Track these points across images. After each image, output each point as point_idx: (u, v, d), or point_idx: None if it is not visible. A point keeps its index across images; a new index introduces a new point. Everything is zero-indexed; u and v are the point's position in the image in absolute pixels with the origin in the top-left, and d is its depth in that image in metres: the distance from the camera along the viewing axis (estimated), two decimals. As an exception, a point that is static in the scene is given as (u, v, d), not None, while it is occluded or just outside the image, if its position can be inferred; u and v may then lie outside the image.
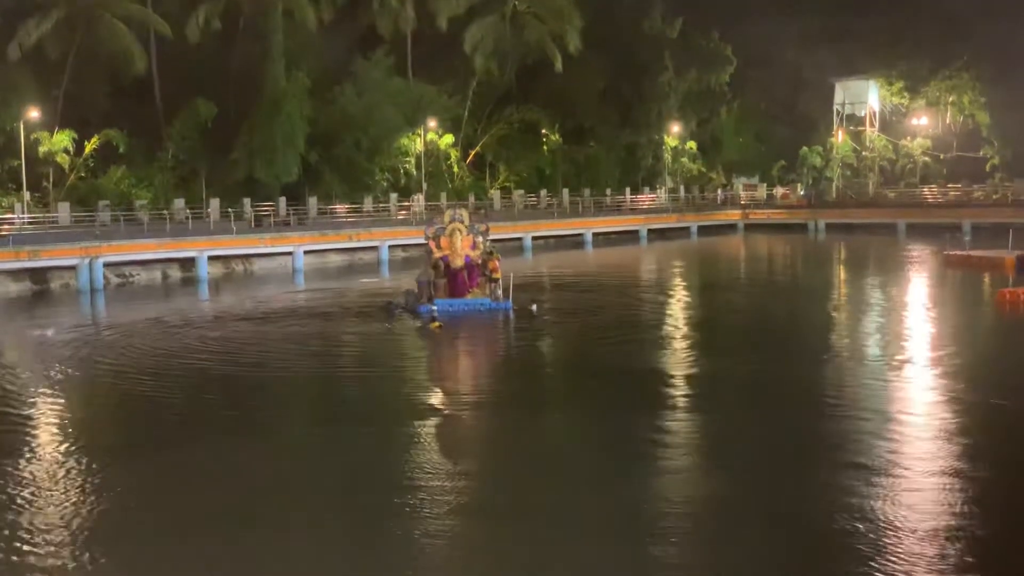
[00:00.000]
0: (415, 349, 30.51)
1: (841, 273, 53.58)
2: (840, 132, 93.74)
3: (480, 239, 36.25)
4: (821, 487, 15.13)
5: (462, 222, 36.34)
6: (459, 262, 35.48)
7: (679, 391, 22.33)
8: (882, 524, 13.37)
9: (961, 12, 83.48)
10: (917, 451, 16.84)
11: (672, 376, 24.04)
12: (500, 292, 35.04)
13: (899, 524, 13.38)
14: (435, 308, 33.57)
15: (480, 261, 35.78)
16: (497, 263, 35.31)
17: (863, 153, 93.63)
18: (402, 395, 22.77)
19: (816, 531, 13.43)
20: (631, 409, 20.36)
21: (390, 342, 30.98)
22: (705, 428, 19.09)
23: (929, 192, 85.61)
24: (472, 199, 75.51)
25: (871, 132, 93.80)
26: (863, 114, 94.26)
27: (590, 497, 15.07)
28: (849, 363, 25.48)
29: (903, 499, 14.36)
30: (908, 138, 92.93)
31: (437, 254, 35.69)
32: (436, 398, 22.27)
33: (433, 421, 19.85)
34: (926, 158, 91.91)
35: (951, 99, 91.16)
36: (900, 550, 12.51)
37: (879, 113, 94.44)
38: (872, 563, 12.14)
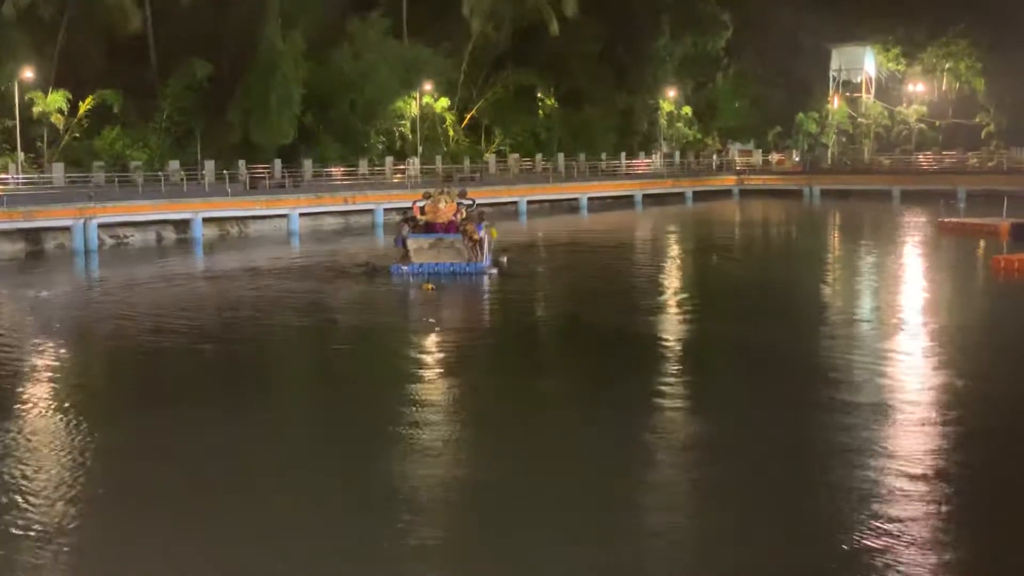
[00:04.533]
0: (404, 308, 30.70)
1: (835, 239, 53.69)
2: (836, 98, 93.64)
3: (464, 207, 36.73)
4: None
5: (448, 193, 37.30)
6: (441, 220, 35.88)
7: (669, 355, 22.44)
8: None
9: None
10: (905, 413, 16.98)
11: (662, 340, 24.12)
12: (478, 254, 35.30)
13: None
14: (405, 269, 34.71)
15: (460, 224, 36.09)
16: (474, 226, 35.49)
17: (859, 119, 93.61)
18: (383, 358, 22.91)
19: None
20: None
21: (386, 302, 31.23)
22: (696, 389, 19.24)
23: (924, 159, 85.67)
24: (467, 162, 75.43)
25: (867, 98, 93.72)
26: (859, 80, 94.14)
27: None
28: (840, 329, 25.60)
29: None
30: (904, 104, 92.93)
31: (421, 219, 36.20)
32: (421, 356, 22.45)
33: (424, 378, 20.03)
34: (922, 125, 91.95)
35: (947, 66, 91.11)
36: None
37: (875, 79, 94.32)
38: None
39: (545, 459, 15.17)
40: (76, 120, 61.98)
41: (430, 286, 31.99)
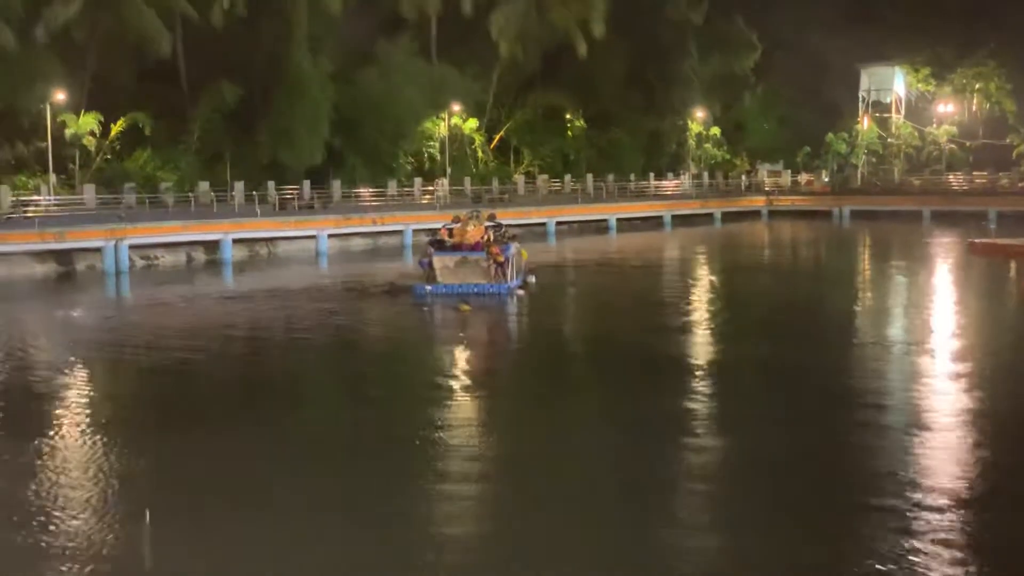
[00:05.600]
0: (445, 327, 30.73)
1: (866, 260, 53.49)
2: (865, 118, 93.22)
3: (492, 230, 36.82)
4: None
5: (477, 217, 37.38)
6: (468, 242, 36.04)
7: (697, 376, 22.35)
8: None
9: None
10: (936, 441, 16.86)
11: (691, 361, 24.05)
12: (503, 275, 35.29)
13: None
14: (429, 289, 34.70)
15: (485, 244, 36.17)
16: (500, 248, 35.50)
17: (888, 140, 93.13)
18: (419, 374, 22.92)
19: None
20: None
21: (422, 323, 31.34)
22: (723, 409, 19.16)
23: (955, 179, 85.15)
24: (496, 183, 75.51)
25: (896, 119, 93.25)
26: (889, 100, 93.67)
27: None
28: (871, 350, 25.43)
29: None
30: (934, 125, 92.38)
31: (449, 242, 36.46)
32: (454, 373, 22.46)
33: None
34: (952, 145, 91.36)
35: (978, 86, 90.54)
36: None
37: (905, 99, 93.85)
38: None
39: (573, 498, 15.11)
40: (108, 142, 62.40)
41: (467, 307, 31.86)
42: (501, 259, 35.24)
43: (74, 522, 13.36)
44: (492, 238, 36.34)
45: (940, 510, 13.33)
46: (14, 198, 53.38)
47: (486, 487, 14.99)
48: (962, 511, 13.35)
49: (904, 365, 23.16)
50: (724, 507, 14.00)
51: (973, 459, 15.65)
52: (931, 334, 27.73)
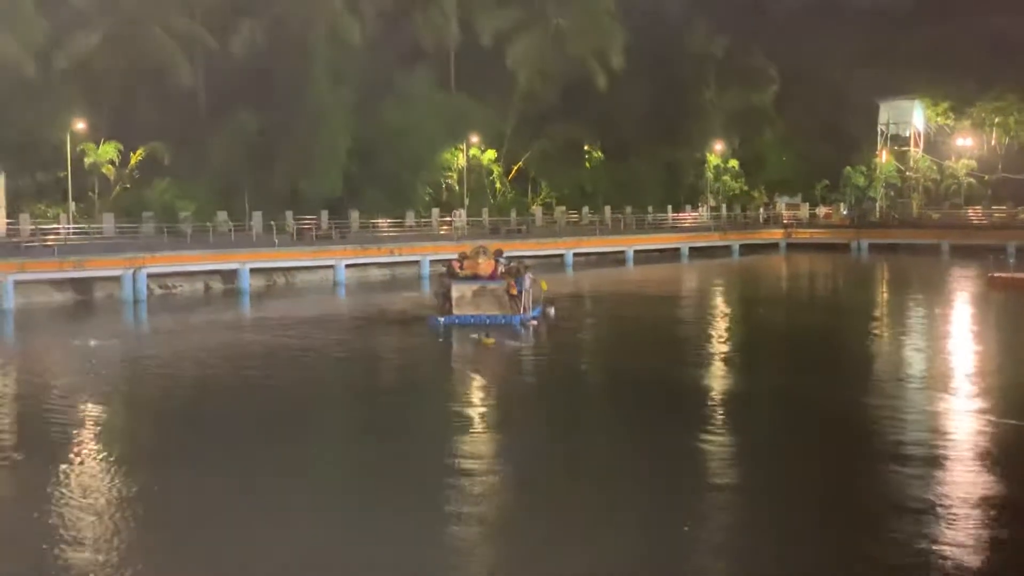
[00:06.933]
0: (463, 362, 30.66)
1: (884, 294, 53.22)
2: (884, 152, 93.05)
3: (503, 263, 36.90)
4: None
5: (484, 252, 37.58)
6: (482, 273, 36.30)
7: (715, 408, 22.20)
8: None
9: (1008, 33, 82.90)
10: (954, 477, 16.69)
11: (708, 392, 23.92)
12: (518, 306, 35.32)
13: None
14: (443, 320, 34.85)
15: (501, 275, 36.25)
16: (514, 283, 35.49)
17: (907, 173, 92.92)
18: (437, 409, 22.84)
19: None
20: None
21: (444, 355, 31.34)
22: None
23: (974, 213, 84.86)
24: (514, 214, 75.51)
25: (915, 152, 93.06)
26: (907, 134, 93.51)
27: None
28: (890, 385, 25.18)
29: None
30: (953, 159, 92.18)
31: (461, 273, 36.63)
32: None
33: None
34: (971, 179, 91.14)
35: (997, 120, 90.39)
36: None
37: (924, 133, 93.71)
38: None
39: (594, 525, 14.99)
40: (127, 171, 62.68)
41: (491, 340, 31.58)
42: (515, 291, 35.22)
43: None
44: (505, 270, 36.35)
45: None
46: (34, 226, 53.61)
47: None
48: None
49: (922, 401, 22.93)
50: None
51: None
52: (950, 368, 27.52)
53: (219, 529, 14.44)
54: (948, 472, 16.79)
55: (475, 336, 32.03)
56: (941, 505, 15.03)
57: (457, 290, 35.76)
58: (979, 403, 22.41)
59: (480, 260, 36.54)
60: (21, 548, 13.72)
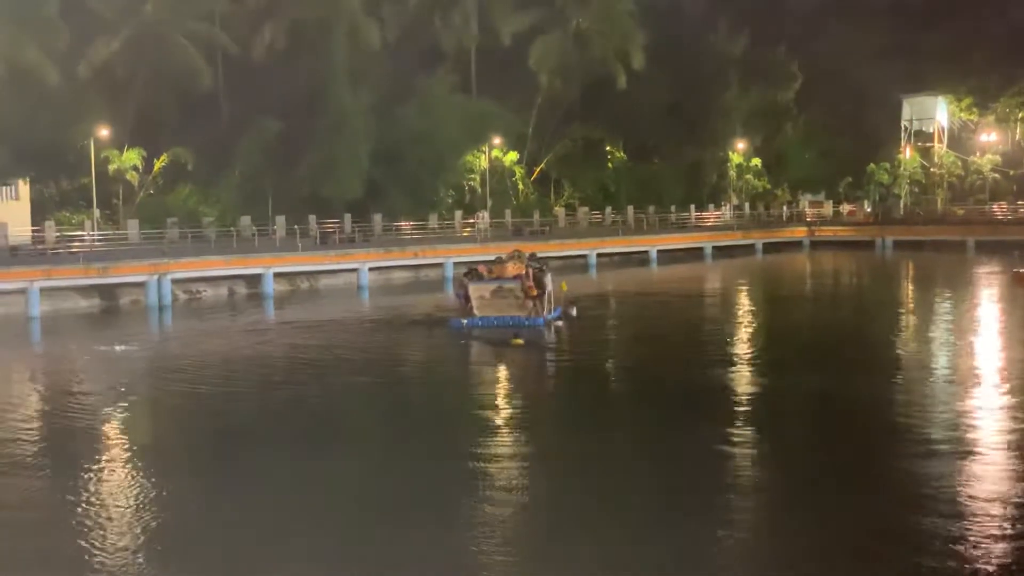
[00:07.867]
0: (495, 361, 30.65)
1: (909, 291, 52.94)
2: (908, 148, 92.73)
3: (533, 268, 36.71)
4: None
5: (519, 257, 37.36)
6: (506, 275, 36.12)
7: (744, 408, 22.12)
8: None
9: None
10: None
11: (737, 392, 23.83)
12: (539, 308, 35.25)
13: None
14: (465, 322, 34.75)
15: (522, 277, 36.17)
16: (533, 284, 35.33)
17: (931, 169, 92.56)
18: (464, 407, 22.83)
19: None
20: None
21: (449, 354, 31.30)
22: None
23: (999, 209, 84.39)
24: (537, 216, 75.47)
25: (939, 148, 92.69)
26: (931, 130, 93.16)
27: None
28: (917, 383, 25.05)
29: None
30: (977, 154, 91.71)
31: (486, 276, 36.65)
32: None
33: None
34: (995, 174, 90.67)
35: (1021, 115, 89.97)
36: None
37: (947, 129, 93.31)
38: None
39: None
40: (151, 177, 62.95)
41: (520, 341, 31.41)
42: (534, 293, 35.10)
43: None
44: (531, 275, 36.09)
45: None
46: (59, 233, 53.85)
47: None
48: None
49: (950, 396, 22.78)
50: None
51: None
52: (976, 365, 27.34)
53: (248, 531, 14.46)
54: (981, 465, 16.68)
55: (512, 340, 31.83)
56: (971, 501, 14.93)
57: (475, 291, 35.70)
58: (1004, 398, 22.27)
59: (508, 265, 36.34)
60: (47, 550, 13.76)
